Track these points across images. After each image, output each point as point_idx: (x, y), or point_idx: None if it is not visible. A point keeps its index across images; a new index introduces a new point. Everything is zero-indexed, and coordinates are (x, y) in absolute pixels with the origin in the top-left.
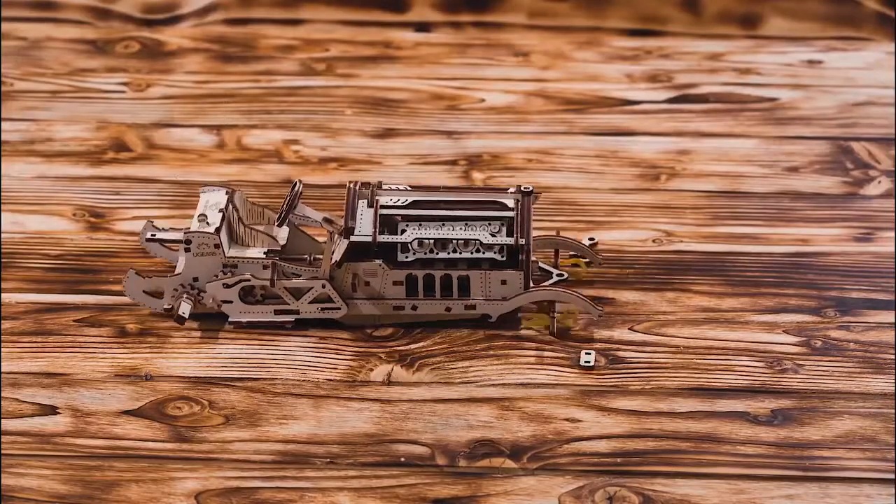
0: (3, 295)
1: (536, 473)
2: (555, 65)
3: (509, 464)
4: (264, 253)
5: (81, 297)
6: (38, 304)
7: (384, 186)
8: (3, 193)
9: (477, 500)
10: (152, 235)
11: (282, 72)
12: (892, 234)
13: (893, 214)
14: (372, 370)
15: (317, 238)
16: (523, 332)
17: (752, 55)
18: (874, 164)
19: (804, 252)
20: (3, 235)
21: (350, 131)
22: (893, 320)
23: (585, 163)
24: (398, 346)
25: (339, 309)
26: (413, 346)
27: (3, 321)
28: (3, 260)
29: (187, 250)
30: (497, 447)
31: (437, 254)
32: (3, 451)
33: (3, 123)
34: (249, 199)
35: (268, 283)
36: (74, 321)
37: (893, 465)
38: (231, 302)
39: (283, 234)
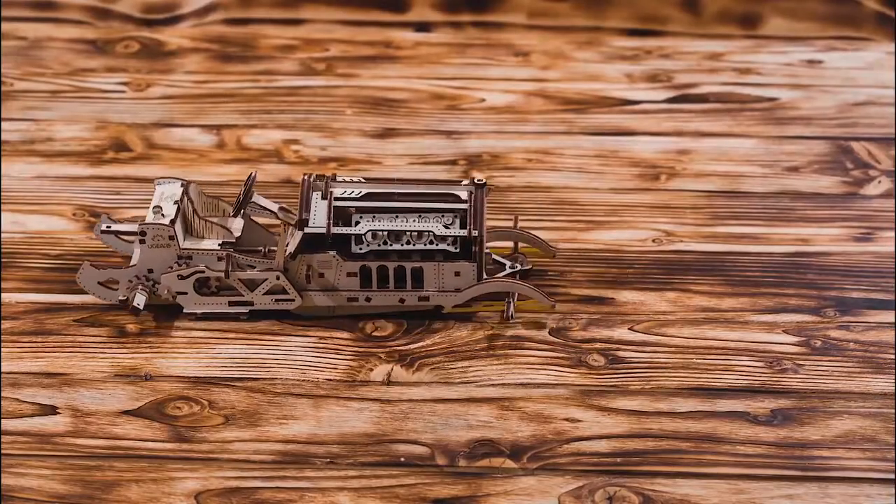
0: (3, 295)
1: (536, 473)
2: (555, 65)
3: (509, 464)
4: (219, 244)
5: (81, 297)
6: (38, 304)
7: (339, 178)
8: (3, 193)
9: (477, 500)
10: (107, 227)
11: (282, 72)
12: (892, 234)
13: (893, 214)
14: (372, 370)
15: (271, 230)
16: (522, 331)
17: (752, 55)
18: (874, 164)
19: (804, 252)
20: (3, 235)
21: (350, 131)
22: (893, 320)
23: (585, 163)
24: (398, 346)
25: (293, 300)
26: (413, 346)
27: (3, 321)
28: (3, 260)
29: (142, 242)
30: (497, 447)
31: (391, 245)
32: (3, 451)
33: (3, 123)
34: (204, 192)
35: (223, 274)
36: (74, 321)
37: (893, 465)
38: (186, 293)
39: (237, 225)
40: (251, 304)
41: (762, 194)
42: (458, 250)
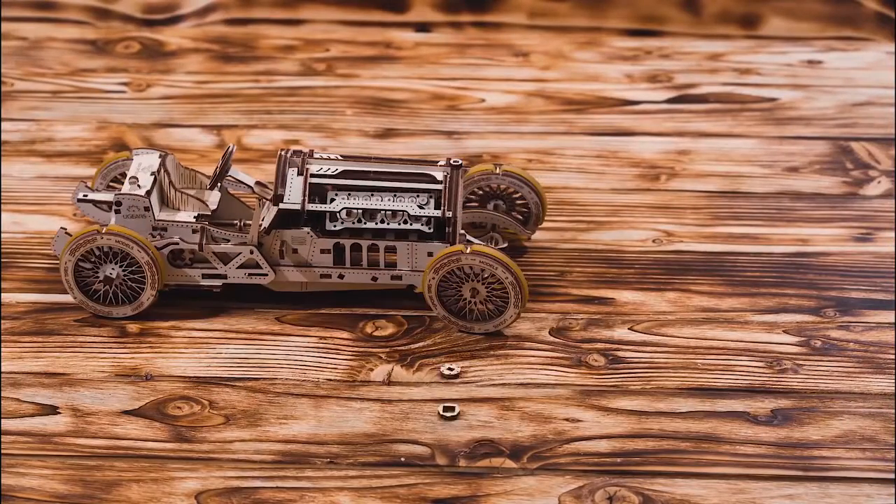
0: (3, 295)
1: (536, 473)
2: (555, 65)
3: (509, 464)
4: (194, 217)
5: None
6: (38, 304)
7: (316, 155)
8: (3, 193)
9: (477, 500)
10: (84, 196)
11: (282, 72)
12: (892, 234)
13: (893, 214)
14: (372, 370)
15: (249, 204)
16: (522, 331)
17: (752, 55)
18: (874, 164)
19: (804, 252)
20: (3, 235)
21: (350, 131)
22: (893, 320)
23: (585, 163)
24: (398, 345)
25: (266, 275)
26: (413, 346)
27: (3, 321)
28: (3, 260)
29: (117, 212)
30: (497, 447)
31: (366, 224)
32: (3, 451)
33: (3, 123)
34: (182, 164)
35: (196, 247)
36: (74, 321)
37: (893, 465)
38: None
39: (214, 198)
40: (224, 277)
41: (762, 194)
42: (432, 231)
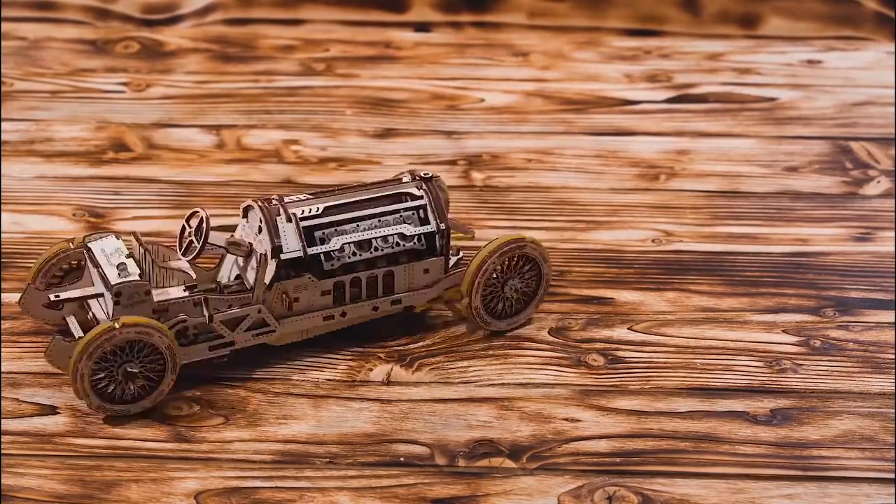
0: (3, 295)
1: (536, 473)
2: (554, 65)
3: (509, 463)
4: (184, 289)
5: None
6: None
7: (286, 199)
8: (3, 193)
9: (476, 500)
10: (56, 296)
11: (282, 72)
12: (892, 234)
13: (893, 214)
14: (371, 370)
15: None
16: (521, 331)
17: (752, 55)
18: (874, 164)
19: (804, 252)
20: (3, 235)
21: (350, 131)
22: (893, 320)
23: (585, 163)
24: (398, 346)
25: (273, 331)
26: (413, 346)
27: (3, 321)
28: (3, 260)
29: (117, 303)
30: (496, 447)
31: (361, 255)
32: (3, 451)
33: (3, 123)
34: (141, 237)
35: (206, 319)
36: None
37: (893, 464)
38: None
39: (186, 266)
40: (233, 343)
41: (762, 194)
42: (424, 246)
